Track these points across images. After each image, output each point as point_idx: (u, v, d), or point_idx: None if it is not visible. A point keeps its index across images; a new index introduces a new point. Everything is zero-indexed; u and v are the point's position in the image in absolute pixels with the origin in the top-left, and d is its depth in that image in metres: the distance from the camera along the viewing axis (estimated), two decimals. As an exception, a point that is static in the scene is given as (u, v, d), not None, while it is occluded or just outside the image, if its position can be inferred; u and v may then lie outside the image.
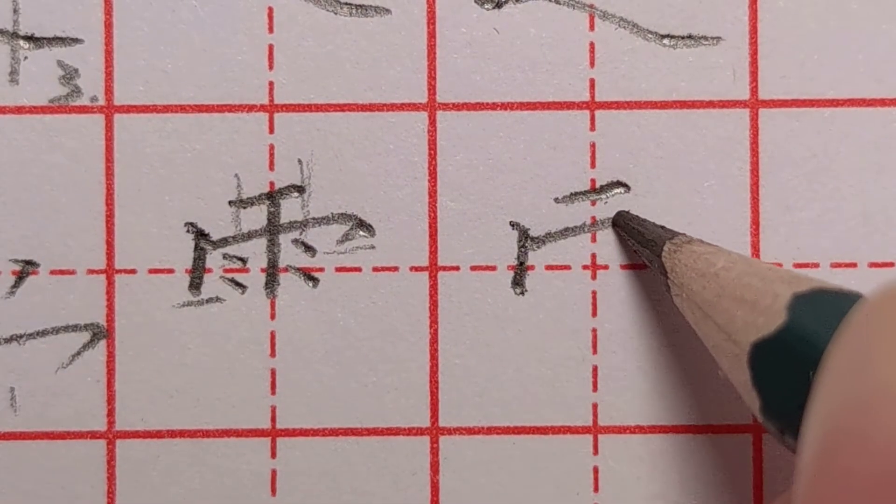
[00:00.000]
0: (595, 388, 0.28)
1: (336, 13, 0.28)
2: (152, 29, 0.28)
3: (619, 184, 0.28)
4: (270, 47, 0.28)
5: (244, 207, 0.28)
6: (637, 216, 0.28)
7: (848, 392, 0.16)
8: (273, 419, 0.28)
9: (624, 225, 0.28)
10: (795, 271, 0.23)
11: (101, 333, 0.28)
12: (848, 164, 0.28)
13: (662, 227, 0.27)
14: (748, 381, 0.21)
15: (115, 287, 0.28)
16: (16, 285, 0.28)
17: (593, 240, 0.28)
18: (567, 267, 0.28)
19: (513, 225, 0.28)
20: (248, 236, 0.28)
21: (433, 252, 0.28)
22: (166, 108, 0.28)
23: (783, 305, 0.21)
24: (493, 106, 0.28)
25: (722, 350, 0.22)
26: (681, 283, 0.25)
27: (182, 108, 0.28)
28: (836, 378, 0.16)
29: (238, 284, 0.28)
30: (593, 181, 0.28)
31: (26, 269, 0.28)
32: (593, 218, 0.28)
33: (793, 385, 0.20)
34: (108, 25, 0.28)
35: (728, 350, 0.22)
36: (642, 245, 0.27)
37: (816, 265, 0.28)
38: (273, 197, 0.28)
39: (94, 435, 0.28)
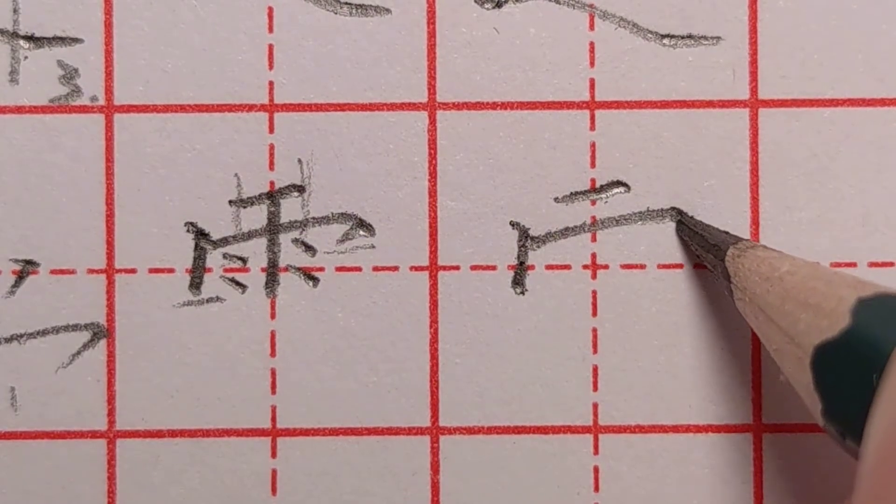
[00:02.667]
0: (595, 388, 0.28)
1: (336, 13, 0.28)
2: (152, 29, 0.28)
3: (619, 183, 0.28)
4: (270, 47, 0.28)
5: (244, 207, 0.28)
6: (700, 221, 0.28)
7: None
8: (273, 419, 0.28)
9: (687, 230, 0.28)
10: (860, 277, 0.22)
11: (102, 333, 0.28)
12: (848, 164, 0.28)
13: (726, 233, 0.27)
14: (810, 383, 0.21)
15: (115, 287, 0.28)
16: (16, 285, 0.28)
17: (593, 240, 0.28)
18: (567, 267, 0.28)
19: (513, 225, 0.28)
20: (248, 236, 0.28)
21: (433, 252, 0.28)
22: (166, 108, 0.28)
23: (847, 309, 0.21)
24: (493, 106, 0.28)
25: (785, 353, 0.22)
26: (744, 288, 0.25)
27: (182, 108, 0.28)
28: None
29: (238, 284, 0.28)
30: (593, 181, 0.28)
31: (26, 268, 0.28)
32: (593, 218, 0.28)
33: (856, 388, 0.20)
34: (108, 25, 0.28)
35: (791, 353, 0.22)
36: (706, 250, 0.27)
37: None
38: (273, 197, 0.28)
39: (94, 435, 0.28)
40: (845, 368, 0.20)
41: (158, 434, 0.28)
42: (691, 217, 0.28)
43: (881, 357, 0.19)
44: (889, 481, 0.15)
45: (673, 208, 0.28)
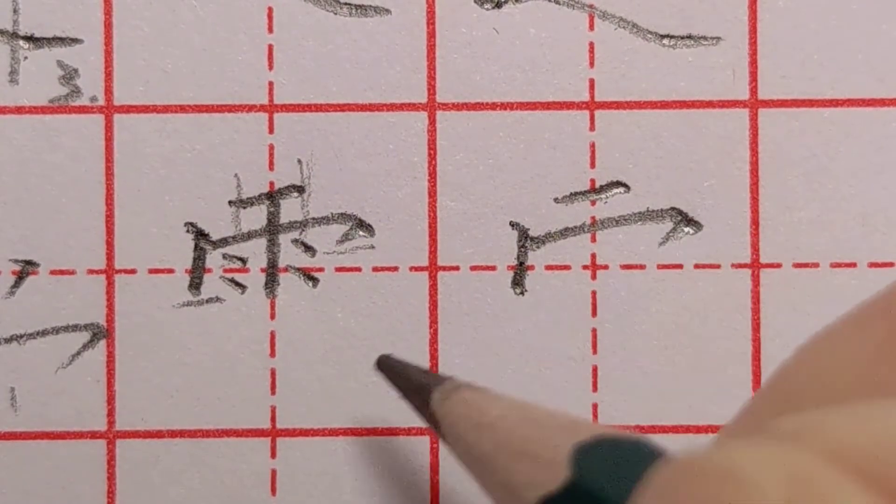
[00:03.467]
0: (595, 389, 0.28)
1: (336, 13, 0.28)
2: (152, 29, 0.28)
3: (619, 184, 0.28)
4: (270, 47, 0.28)
5: (244, 207, 0.28)
6: (400, 360, 0.26)
7: None
8: (273, 419, 0.28)
9: (386, 371, 0.26)
10: (575, 416, 0.21)
11: (101, 333, 0.28)
12: (848, 164, 0.28)
13: (426, 372, 0.25)
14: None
15: (115, 287, 0.28)
16: (16, 285, 0.28)
17: (593, 240, 0.28)
18: (567, 267, 0.28)
19: (513, 225, 0.28)
20: (248, 236, 0.28)
21: (433, 252, 0.28)
22: (166, 108, 0.28)
23: (565, 458, 0.20)
24: (493, 106, 0.28)
25: None
26: (455, 436, 0.23)
27: (182, 108, 0.28)
28: None
29: (238, 284, 0.28)
30: (593, 181, 0.28)
31: (26, 269, 0.28)
32: (593, 218, 0.28)
33: None
34: (108, 25, 0.28)
35: (515, 498, 0.21)
36: (407, 394, 0.25)
37: (816, 265, 0.28)
38: (273, 197, 0.28)
39: (94, 435, 0.28)
40: None
41: (158, 434, 0.28)
42: (389, 356, 0.26)
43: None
44: None
45: (673, 208, 0.28)
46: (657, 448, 0.19)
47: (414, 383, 0.25)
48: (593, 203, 0.28)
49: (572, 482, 0.19)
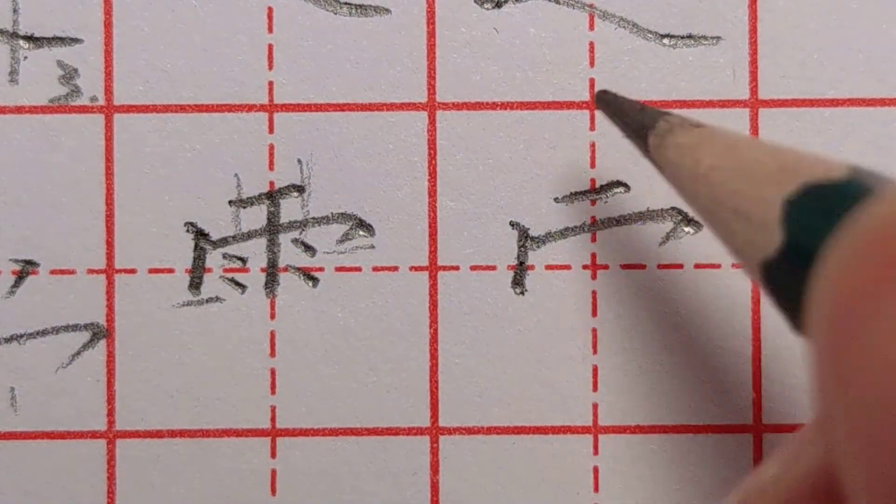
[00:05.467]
0: (595, 388, 0.28)
1: (336, 13, 0.28)
2: (152, 29, 0.28)
3: (619, 184, 0.28)
4: (270, 47, 0.28)
5: (244, 207, 0.28)
6: (617, 97, 0.26)
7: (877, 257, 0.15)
8: (273, 419, 0.28)
9: (605, 108, 0.26)
10: (783, 157, 0.21)
11: (101, 333, 0.28)
12: (848, 164, 0.28)
13: (642, 109, 0.25)
14: (773, 217, 0.20)
15: (115, 287, 0.28)
16: (16, 285, 0.28)
17: (593, 240, 0.28)
18: (567, 267, 0.28)
19: (513, 225, 0.28)
20: (248, 236, 0.28)
21: (433, 252, 0.28)
22: (166, 108, 0.28)
23: (776, 217, 0.20)
24: (493, 106, 0.28)
25: (745, 188, 0.21)
26: (676, 184, 0.22)
27: (182, 108, 0.28)
28: (839, 264, 0.16)
29: (238, 284, 0.28)
30: (593, 181, 0.28)
31: (26, 269, 0.28)
32: (593, 218, 0.28)
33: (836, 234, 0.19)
34: (108, 25, 0.28)
35: (758, 186, 0.21)
36: (628, 135, 0.25)
37: (816, 265, 0.28)
38: (273, 197, 0.28)
39: (94, 435, 0.28)
40: (834, 214, 0.19)
41: (158, 434, 0.28)
42: (607, 92, 0.26)
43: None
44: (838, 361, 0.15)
45: (673, 208, 0.28)
46: (867, 184, 0.19)
47: (631, 124, 0.24)
48: (593, 203, 0.28)
49: (786, 244, 0.19)
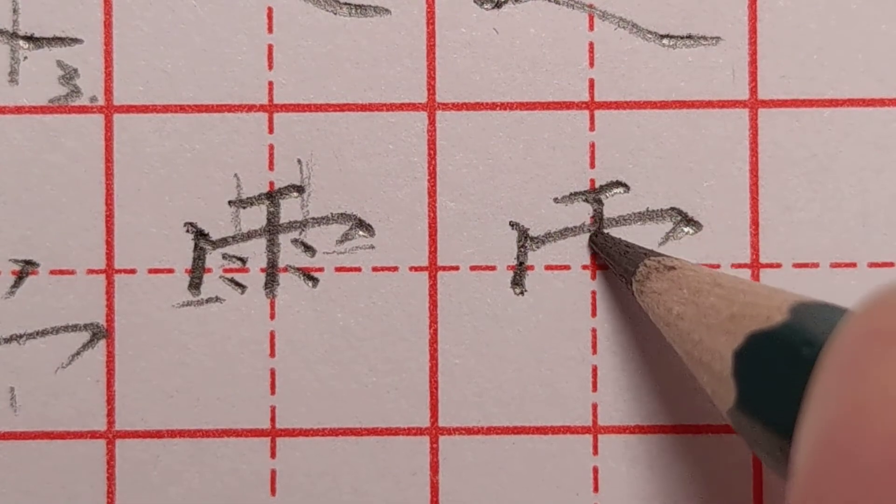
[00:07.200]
0: (595, 388, 0.28)
1: (336, 13, 0.28)
2: (152, 29, 0.28)
3: (619, 184, 0.28)
4: (270, 47, 0.28)
5: (244, 207, 0.28)
6: (607, 241, 0.28)
7: (842, 397, 0.16)
8: (273, 419, 0.28)
9: (598, 249, 0.28)
10: (740, 295, 0.22)
11: (101, 333, 0.28)
12: (848, 164, 0.28)
13: (627, 253, 0.27)
14: (728, 372, 0.21)
15: (115, 287, 0.28)
16: (16, 285, 0.28)
17: (593, 221, 0.28)
18: (567, 267, 0.28)
19: (513, 225, 0.28)
20: (248, 236, 0.28)
21: (433, 252, 0.28)
22: (166, 108, 0.28)
23: (730, 372, 0.20)
24: (493, 106, 0.28)
25: (702, 344, 0.22)
26: (662, 331, 0.24)
27: (182, 108, 0.28)
28: (833, 377, 0.16)
29: (238, 284, 0.28)
30: (593, 181, 0.28)
31: (26, 269, 0.28)
32: (593, 218, 0.28)
33: (782, 381, 0.19)
34: (108, 25, 0.28)
35: (714, 337, 0.22)
36: (619, 279, 0.27)
37: (816, 265, 0.28)
38: (273, 197, 0.28)
39: (94, 435, 0.28)
40: (776, 361, 0.20)
41: (158, 434, 0.28)
42: (599, 233, 0.28)
43: (814, 353, 0.19)
44: (825, 470, 0.15)
45: (673, 208, 0.28)
46: (806, 325, 0.20)
47: (617, 269, 0.26)
48: (594, 203, 0.28)
49: (738, 397, 0.20)
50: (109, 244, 0.28)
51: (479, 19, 0.28)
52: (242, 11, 0.28)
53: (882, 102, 0.28)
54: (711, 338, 0.21)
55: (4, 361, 0.28)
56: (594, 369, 0.28)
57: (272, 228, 0.28)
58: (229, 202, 0.28)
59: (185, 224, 0.28)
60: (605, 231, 0.28)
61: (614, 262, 0.27)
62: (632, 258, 0.26)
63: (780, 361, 0.19)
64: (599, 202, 0.28)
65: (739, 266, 0.28)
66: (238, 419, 0.28)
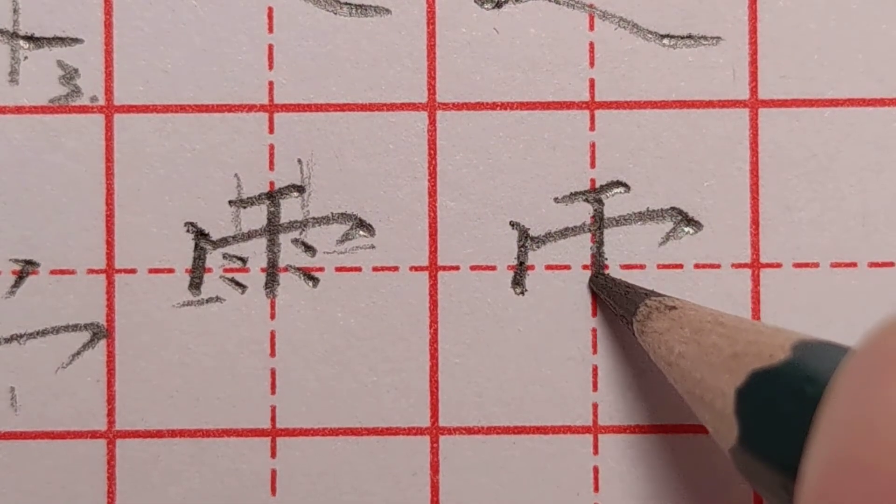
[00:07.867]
0: (595, 388, 0.28)
1: (336, 13, 0.28)
2: (152, 29, 0.28)
3: (619, 184, 0.28)
4: (270, 47, 0.28)
5: (244, 207, 0.28)
6: (608, 282, 0.28)
7: (852, 420, 0.16)
8: (273, 419, 0.28)
9: (600, 290, 0.28)
10: (742, 334, 0.22)
11: (101, 333, 0.28)
12: (848, 164, 0.28)
13: (626, 294, 0.27)
14: (729, 409, 0.21)
15: (115, 287, 0.28)
16: (16, 285, 0.28)
17: (593, 240, 0.28)
18: (567, 267, 0.28)
19: (513, 225, 0.28)
20: (248, 236, 0.28)
21: (433, 252, 0.28)
22: (166, 108, 0.28)
23: (732, 410, 0.20)
24: (493, 106, 0.28)
25: (703, 380, 0.22)
26: (663, 370, 0.24)
27: (182, 108, 0.28)
28: (843, 402, 0.17)
29: (238, 284, 0.28)
30: (593, 181, 0.28)
31: (26, 269, 0.28)
32: (593, 218, 0.28)
33: (784, 418, 0.19)
34: (108, 25, 0.28)
35: (716, 375, 0.22)
36: (620, 320, 0.27)
37: (816, 265, 0.28)
38: (273, 197, 0.28)
39: (94, 435, 0.28)
40: (779, 398, 0.20)
41: (158, 434, 0.28)
42: (600, 275, 0.28)
43: (817, 390, 0.19)
44: (838, 493, 0.16)
45: (673, 208, 0.28)
46: (808, 362, 0.20)
47: (618, 310, 0.27)
48: (594, 203, 0.28)
49: (741, 435, 0.20)
50: (110, 244, 0.28)
51: (480, 19, 0.28)
52: (242, 11, 0.28)
53: (882, 102, 0.28)
54: (713, 376, 0.21)
55: (4, 361, 0.28)
56: (594, 369, 0.28)
57: (272, 228, 0.28)
58: (230, 202, 0.28)
59: (186, 224, 0.28)
60: (605, 273, 0.28)
61: (615, 303, 0.27)
62: (632, 298, 0.26)
63: (783, 399, 0.19)
64: (600, 202, 0.28)
65: (740, 266, 0.28)
66: (238, 419, 0.28)
